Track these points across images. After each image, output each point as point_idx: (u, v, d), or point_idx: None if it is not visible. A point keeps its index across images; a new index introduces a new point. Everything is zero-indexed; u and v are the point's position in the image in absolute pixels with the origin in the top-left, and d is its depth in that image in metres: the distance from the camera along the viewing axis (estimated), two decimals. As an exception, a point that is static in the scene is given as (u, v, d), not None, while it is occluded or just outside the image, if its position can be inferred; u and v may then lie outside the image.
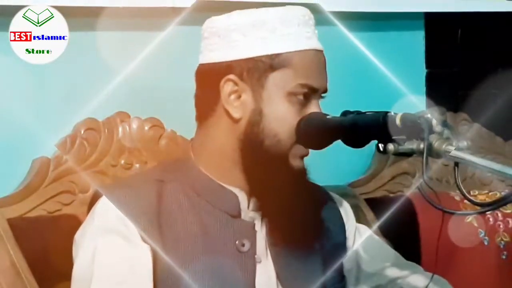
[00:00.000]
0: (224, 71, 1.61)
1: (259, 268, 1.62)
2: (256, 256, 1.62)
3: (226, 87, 1.61)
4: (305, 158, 1.63)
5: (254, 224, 1.63)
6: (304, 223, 1.66)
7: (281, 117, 1.59)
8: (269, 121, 1.59)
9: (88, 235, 1.57)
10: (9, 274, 1.75)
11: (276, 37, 1.60)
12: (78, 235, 1.61)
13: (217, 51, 1.62)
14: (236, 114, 1.60)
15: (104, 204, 1.59)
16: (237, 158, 1.62)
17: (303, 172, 1.63)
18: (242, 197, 1.63)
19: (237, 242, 1.61)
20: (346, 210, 1.81)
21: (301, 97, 1.59)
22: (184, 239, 1.58)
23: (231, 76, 1.60)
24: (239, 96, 1.60)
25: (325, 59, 1.65)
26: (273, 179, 1.60)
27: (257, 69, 1.59)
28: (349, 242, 1.77)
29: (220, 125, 1.63)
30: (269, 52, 1.59)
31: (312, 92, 1.61)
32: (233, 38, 1.60)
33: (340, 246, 1.75)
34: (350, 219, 1.80)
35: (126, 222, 1.56)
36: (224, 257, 1.59)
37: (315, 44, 1.63)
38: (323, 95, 1.64)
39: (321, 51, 1.64)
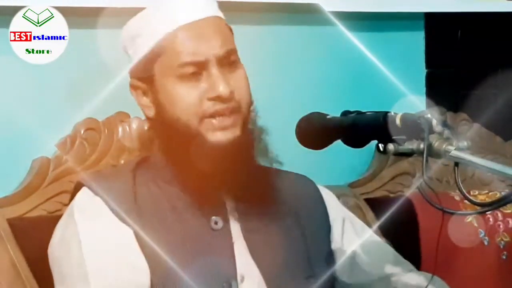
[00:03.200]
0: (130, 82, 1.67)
1: (236, 247, 1.63)
2: (231, 234, 1.63)
3: (134, 93, 1.66)
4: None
5: (224, 203, 1.64)
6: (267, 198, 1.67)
7: (175, 99, 1.59)
8: (167, 108, 1.60)
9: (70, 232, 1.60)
10: (9, 274, 1.76)
11: (151, 27, 1.62)
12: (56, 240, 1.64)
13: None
14: (149, 114, 1.65)
15: (81, 199, 1.64)
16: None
17: (231, 144, 1.59)
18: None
19: (212, 218, 1.62)
20: (330, 198, 1.80)
21: (190, 74, 1.58)
22: (160, 225, 1.60)
23: (131, 81, 1.65)
24: (148, 96, 1.63)
25: (210, 24, 1.61)
26: (200, 160, 1.59)
27: (145, 63, 1.62)
28: (334, 232, 1.76)
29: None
30: (150, 45, 1.61)
31: (202, 66, 1.59)
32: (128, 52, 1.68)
33: (321, 230, 1.74)
34: (337, 209, 1.79)
35: (105, 209, 1.59)
36: (199, 236, 1.60)
37: (190, 17, 1.61)
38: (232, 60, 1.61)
39: (202, 19, 1.61)
